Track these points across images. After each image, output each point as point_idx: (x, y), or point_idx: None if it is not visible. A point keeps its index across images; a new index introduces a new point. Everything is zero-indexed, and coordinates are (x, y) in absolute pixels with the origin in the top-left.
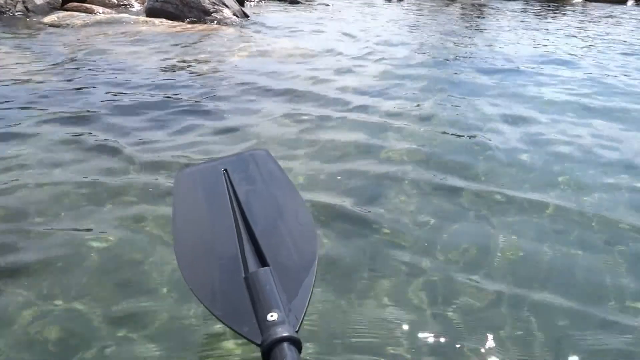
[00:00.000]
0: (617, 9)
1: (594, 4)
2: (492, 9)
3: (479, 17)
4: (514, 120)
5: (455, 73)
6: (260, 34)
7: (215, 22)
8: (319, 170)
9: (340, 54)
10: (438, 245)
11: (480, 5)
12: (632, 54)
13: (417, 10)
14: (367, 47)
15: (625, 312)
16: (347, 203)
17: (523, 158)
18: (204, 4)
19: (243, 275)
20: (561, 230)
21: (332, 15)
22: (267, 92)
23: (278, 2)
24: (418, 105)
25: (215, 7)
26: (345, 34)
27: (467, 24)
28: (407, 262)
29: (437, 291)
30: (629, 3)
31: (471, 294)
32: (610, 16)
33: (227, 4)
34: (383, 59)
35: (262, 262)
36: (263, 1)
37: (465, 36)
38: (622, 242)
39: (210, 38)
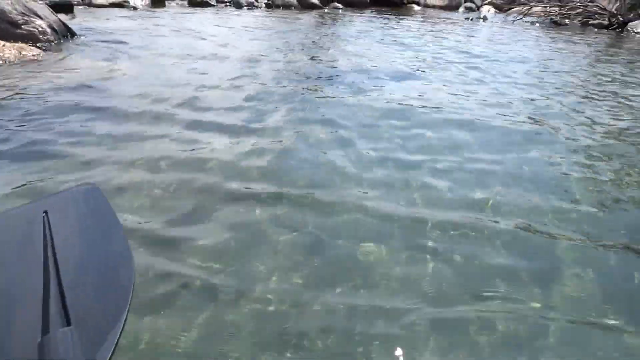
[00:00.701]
0: (451, 14)
1: (431, 10)
2: (346, 17)
3: (332, 25)
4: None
5: (305, 83)
6: (82, 51)
7: (27, 35)
8: (147, 196)
9: (176, 68)
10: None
11: (333, 14)
12: (460, 51)
13: (270, 19)
14: (208, 61)
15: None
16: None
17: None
18: (10, 15)
19: (39, 340)
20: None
21: (176, 23)
22: (87, 119)
23: (114, 7)
24: (258, 121)
25: (25, 18)
26: (187, 45)
27: (321, 33)
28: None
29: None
30: (460, 10)
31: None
32: (446, 19)
33: (40, 14)
34: (223, 75)
35: (67, 320)
36: (93, 8)
37: (318, 45)
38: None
39: (15, 61)
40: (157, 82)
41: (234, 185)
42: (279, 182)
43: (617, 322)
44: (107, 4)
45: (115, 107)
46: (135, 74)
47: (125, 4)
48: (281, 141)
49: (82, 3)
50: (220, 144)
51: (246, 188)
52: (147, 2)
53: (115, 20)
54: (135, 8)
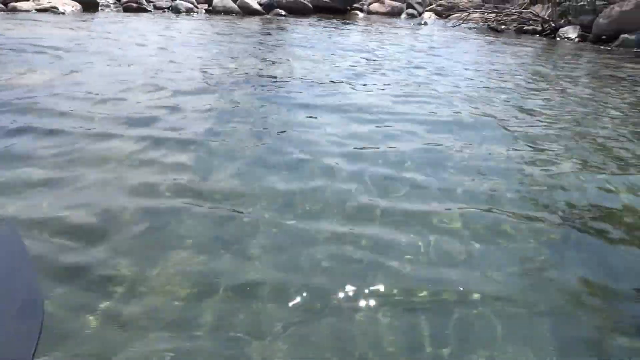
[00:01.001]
0: (394, 20)
1: (374, 16)
2: (290, 24)
3: (277, 32)
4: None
5: (249, 90)
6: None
7: None
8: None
9: (106, 78)
10: None
11: (276, 20)
12: (403, 54)
13: (212, 26)
14: (144, 70)
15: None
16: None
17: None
18: None
19: None
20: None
21: (109, 29)
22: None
23: (40, 12)
24: (210, 131)
25: None
26: (120, 54)
27: (266, 39)
28: None
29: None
30: (402, 16)
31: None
32: (389, 25)
33: None
34: (154, 83)
35: None
36: (17, 13)
37: (264, 52)
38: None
39: None
40: (82, 94)
41: (189, 195)
42: (240, 188)
43: (571, 308)
44: (32, 9)
45: (31, 123)
46: (54, 85)
47: (53, 9)
48: (242, 148)
49: (5, 9)
50: (164, 155)
51: (202, 200)
52: (78, 8)
53: (40, 27)
54: (63, 13)
